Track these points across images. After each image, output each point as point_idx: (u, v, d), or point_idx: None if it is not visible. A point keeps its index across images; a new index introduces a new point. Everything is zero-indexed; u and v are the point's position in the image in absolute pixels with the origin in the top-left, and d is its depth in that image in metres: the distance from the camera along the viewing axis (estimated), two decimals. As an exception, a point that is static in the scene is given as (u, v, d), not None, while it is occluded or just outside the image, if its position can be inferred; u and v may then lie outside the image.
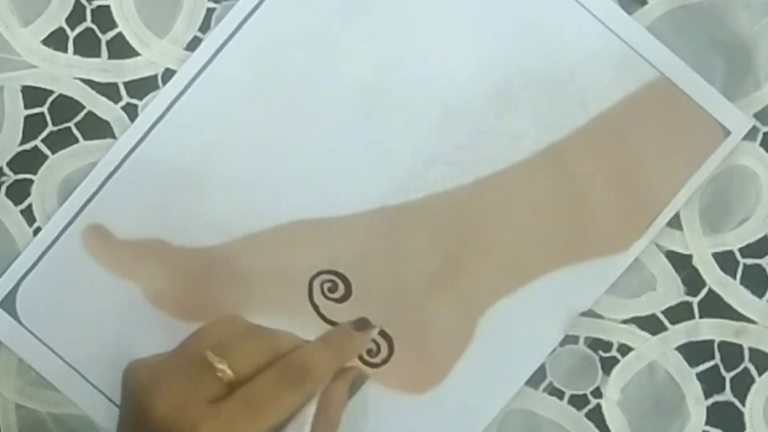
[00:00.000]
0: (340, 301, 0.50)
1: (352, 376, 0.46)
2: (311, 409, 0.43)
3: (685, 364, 0.50)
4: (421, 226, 0.50)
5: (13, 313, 0.49)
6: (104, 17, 0.50)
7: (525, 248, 0.50)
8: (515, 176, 0.50)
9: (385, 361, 0.49)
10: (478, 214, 0.50)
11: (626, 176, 0.50)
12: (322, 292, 0.50)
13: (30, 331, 0.49)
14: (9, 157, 0.50)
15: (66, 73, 0.50)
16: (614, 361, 0.50)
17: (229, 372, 0.41)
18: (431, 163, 0.50)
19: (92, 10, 0.50)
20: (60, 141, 0.50)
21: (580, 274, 0.49)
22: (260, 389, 0.41)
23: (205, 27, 0.50)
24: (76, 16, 0.50)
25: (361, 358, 0.49)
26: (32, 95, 0.50)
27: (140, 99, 0.50)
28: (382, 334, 0.49)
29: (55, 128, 0.50)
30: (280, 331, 0.44)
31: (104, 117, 0.50)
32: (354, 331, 0.47)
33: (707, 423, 0.50)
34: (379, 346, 0.49)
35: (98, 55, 0.50)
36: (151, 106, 0.50)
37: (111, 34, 0.50)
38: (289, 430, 0.42)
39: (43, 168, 0.50)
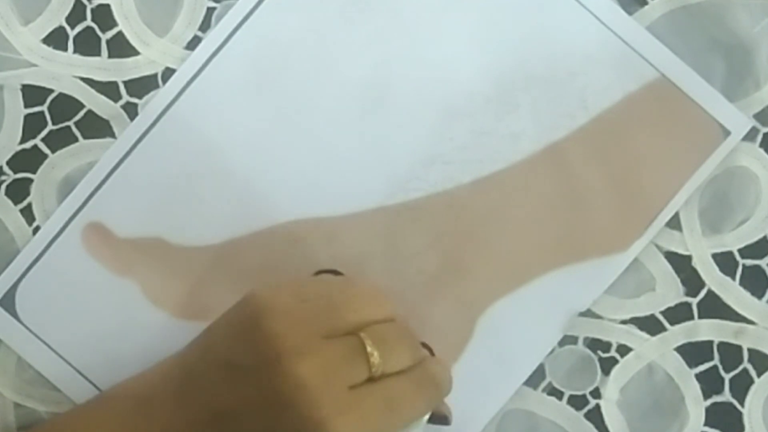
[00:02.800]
0: (339, 300, 0.49)
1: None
2: (424, 419, 0.44)
3: (684, 364, 0.50)
4: (421, 226, 0.50)
5: (13, 312, 0.49)
6: (104, 16, 0.50)
7: (524, 248, 0.50)
8: (515, 176, 0.50)
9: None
10: (477, 214, 0.50)
11: (625, 176, 0.50)
12: (321, 292, 0.49)
13: (29, 330, 0.49)
14: (8, 156, 0.50)
15: (66, 72, 0.50)
16: (613, 362, 0.50)
17: (379, 369, 0.41)
18: (431, 163, 0.50)
19: (92, 9, 0.50)
20: (60, 140, 0.50)
21: (579, 274, 0.49)
22: (402, 392, 0.42)
23: (205, 26, 0.50)
24: (76, 14, 0.50)
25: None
26: (32, 94, 0.50)
27: (140, 98, 0.50)
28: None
29: (54, 127, 0.50)
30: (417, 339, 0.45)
31: (104, 116, 0.50)
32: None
33: (706, 423, 0.50)
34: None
35: (98, 54, 0.50)
36: (151, 104, 0.50)
37: (111, 33, 0.50)
38: None
39: (42, 167, 0.50)
